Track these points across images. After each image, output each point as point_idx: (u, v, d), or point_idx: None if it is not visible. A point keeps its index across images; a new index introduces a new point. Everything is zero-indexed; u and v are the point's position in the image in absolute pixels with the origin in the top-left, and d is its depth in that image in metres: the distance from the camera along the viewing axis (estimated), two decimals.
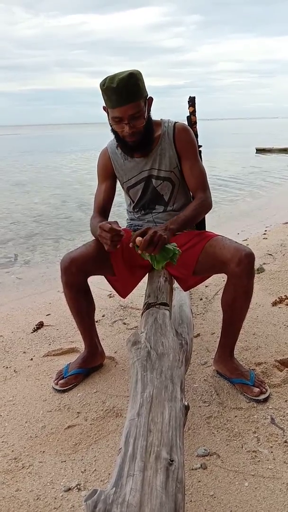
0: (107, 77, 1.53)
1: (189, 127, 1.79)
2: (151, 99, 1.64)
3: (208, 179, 1.78)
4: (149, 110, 1.64)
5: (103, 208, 1.82)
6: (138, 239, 1.42)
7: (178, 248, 1.48)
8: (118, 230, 1.47)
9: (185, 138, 1.72)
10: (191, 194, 1.79)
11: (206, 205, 1.71)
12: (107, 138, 1.82)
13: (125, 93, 1.50)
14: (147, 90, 1.61)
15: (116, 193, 1.88)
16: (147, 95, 1.61)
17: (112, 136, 1.73)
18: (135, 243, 1.44)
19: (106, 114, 1.63)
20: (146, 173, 1.75)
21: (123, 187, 1.85)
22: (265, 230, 4.65)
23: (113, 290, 1.85)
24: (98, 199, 1.83)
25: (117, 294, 1.86)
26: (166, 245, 1.46)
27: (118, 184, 1.87)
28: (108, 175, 1.82)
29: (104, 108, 1.63)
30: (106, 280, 1.82)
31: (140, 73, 1.55)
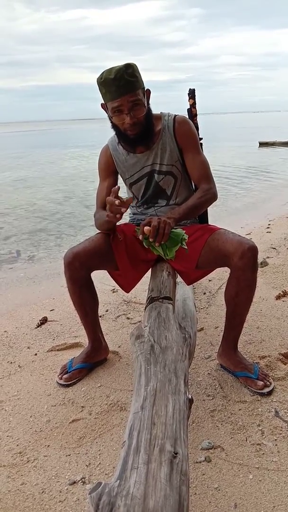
0: (103, 71, 1.54)
1: (189, 120, 1.78)
2: (148, 91, 1.63)
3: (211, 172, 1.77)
4: (148, 102, 1.63)
5: (106, 204, 1.81)
6: (147, 228, 1.41)
7: (184, 232, 1.47)
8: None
9: (186, 130, 1.71)
10: (195, 185, 1.78)
11: (211, 195, 1.69)
12: (108, 133, 1.81)
13: (123, 83, 1.50)
14: (144, 83, 1.60)
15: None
16: (144, 87, 1.61)
17: (112, 133, 1.72)
18: (144, 234, 1.43)
19: (105, 111, 1.62)
20: (149, 168, 1.74)
21: (125, 184, 1.84)
22: (269, 224, 4.63)
23: (117, 285, 1.84)
24: (101, 196, 1.82)
25: (120, 289, 1.86)
26: (172, 230, 1.46)
27: (120, 180, 1.86)
28: (110, 172, 1.81)
29: (103, 106, 1.62)
30: (109, 275, 1.82)
31: (136, 65, 1.55)
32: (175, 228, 1.52)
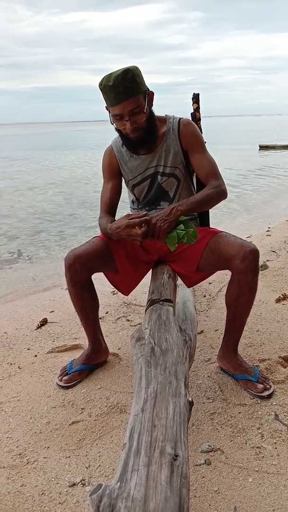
0: (104, 77, 1.54)
1: (193, 122, 1.78)
2: (151, 93, 1.63)
3: None
4: (150, 104, 1.63)
5: (111, 206, 1.81)
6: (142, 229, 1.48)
7: (186, 229, 1.49)
8: (143, 220, 1.49)
9: (190, 132, 1.72)
10: (204, 184, 1.75)
11: (220, 192, 1.66)
12: (109, 135, 1.81)
13: (122, 90, 1.50)
14: (146, 85, 1.60)
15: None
16: (146, 90, 1.60)
17: (116, 134, 1.72)
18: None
19: (108, 114, 1.63)
20: (152, 169, 1.75)
21: (127, 185, 1.84)
22: (269, 227, 4.64)
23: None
24: (105, 197, 1.82)
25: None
26: (171, 232, 1.48)
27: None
28: (114, 173, 1.82)
29: (106, 108, 1.63)
30: (108, 281, 1.82)
31: (136, 68, 1.54)
32: (184, 219, 1.52)
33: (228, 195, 1.70)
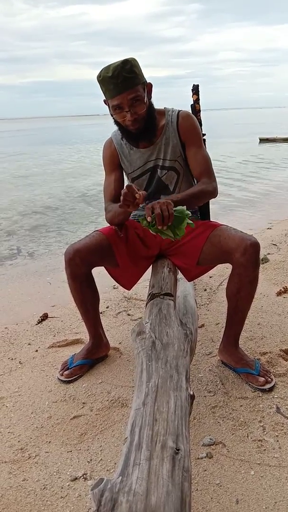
0: (102, 69, 1.52)
1: (193, 115, 1.77)
2: (150, 85, 1.61)
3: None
4: (149, 96, 1.62)
5: (116, 197, 1.78)
6: (149, 218, 1.39)
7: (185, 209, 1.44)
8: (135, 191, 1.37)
9: (189, 125, 1.70)
10: (196, 180, 1.75)
11: (210, 190, 1.65)
12: (108, 129, 1.79)
13: (121, 80, 1.48)
14: (145, 77, 1.58)
15: None
16: (145, 81, 1.58)
17: (115, 127, 1.71)
18: (149, 222, 1.40)
19: (108, 107, 1.61)
20: (152, 163, 1.73)
21: (128, 178, 1.83)
22: (270, 220, 4.63)
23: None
24: (109, 189, 1.80)
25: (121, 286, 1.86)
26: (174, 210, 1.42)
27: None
28: (115, 165, 1.80)
29: (105, 101, 1.61)
30: (109, 275, 1.82)
31: (135, 60, 1.53)
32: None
33: (218, 193, 1.70)
